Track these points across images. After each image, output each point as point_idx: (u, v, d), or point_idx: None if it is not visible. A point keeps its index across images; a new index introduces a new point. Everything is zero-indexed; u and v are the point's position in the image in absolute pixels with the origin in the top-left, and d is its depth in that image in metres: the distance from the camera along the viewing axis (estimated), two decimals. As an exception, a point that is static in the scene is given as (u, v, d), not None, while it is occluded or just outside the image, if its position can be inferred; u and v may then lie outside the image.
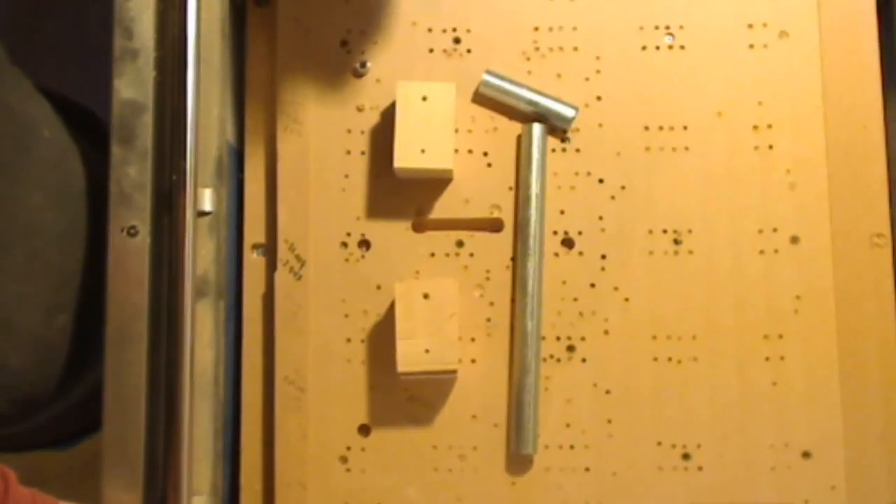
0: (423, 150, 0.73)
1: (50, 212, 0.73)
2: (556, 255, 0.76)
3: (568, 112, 0.76)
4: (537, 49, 0.77)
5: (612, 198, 0.76)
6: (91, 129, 0.81)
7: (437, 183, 0.76)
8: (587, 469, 0.74)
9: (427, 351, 0.71)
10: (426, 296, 0.72)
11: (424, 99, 0.73)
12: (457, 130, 0.76)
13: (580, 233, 0.76)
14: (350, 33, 0.78)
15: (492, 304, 0.75)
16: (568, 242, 0.76)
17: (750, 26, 0.77)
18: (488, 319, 0.75)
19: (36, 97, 0.76)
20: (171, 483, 0.70)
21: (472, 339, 0.75)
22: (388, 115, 0.76)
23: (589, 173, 0.76)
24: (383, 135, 0.76)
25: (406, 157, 0.73)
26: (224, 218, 0.77)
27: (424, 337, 0.71)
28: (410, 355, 0.71)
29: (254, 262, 0.78)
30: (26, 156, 0.72)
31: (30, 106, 0.74)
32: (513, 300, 0.75)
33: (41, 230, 0.73)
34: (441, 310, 0.71)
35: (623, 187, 0.76)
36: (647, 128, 0.76)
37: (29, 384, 0.74)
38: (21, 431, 0.81)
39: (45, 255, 0.73)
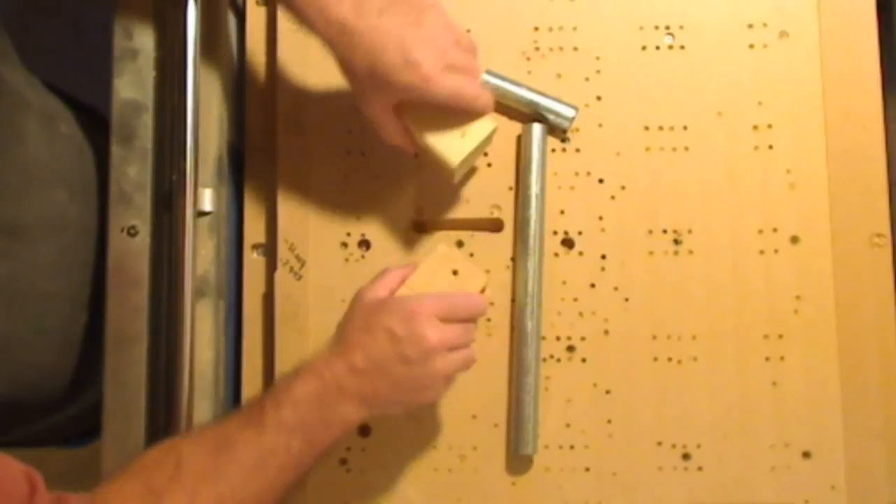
0: (463, 135, 0.70)
1: (73, 208, 0.74)
2: (556, 255, 0.76)
3: (568, 112, 0.76)
4: (537, 49, 0.77)
5: (612, 198, 0.76)
6: (97, 125, 0.81)
7: (437, 183, 0.76)
8: (587, 469, 0.74)
9: None
10: (455, 272, 0.70)
11: None
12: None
13: (580, 233, 0.76)
14: (350, 33, 0.78)
15: (492, 304, 0.75)
16: (568, 242, 0.76)
17: (750, 26, 0.77)
18: (488, 319, 0.75)
19: (50, 94, 0.76)
20: (171, 483, 0.70)
21: (472, 340, 0.75)
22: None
23: (589, 173, 0.76)
24: (383, 135, 0.76)
25: (455, 151, 0.69)
26: (224, 218, 0.77)
27: None
28: None
29: (254, 262, 0.78)
30: (49, 152, 0.72)
31: (47, 102, 0.75)
32: (513, 300, 0.75)
33: (67, 226, 0.73)
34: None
35: (623, 187, 0.76)
36: (647, 128, 0.76)
37: (54, 381, 0.74)
38: (35, 431, 0.81)
39: (71, 252, 0.73)
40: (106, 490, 0.58)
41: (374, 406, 0.63)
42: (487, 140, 0.73)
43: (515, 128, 0.77)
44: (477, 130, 0.71)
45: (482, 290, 0.72)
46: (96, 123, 0.80)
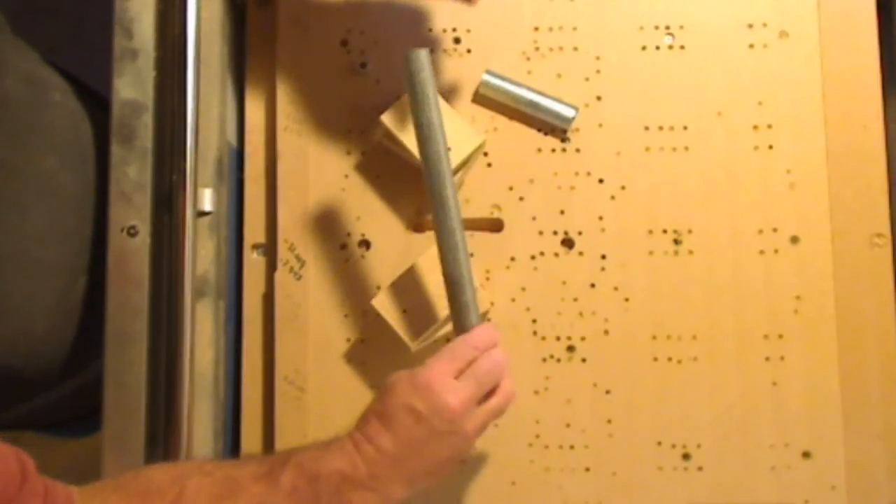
0: (448, 149, 0.72)
1: (65, 175, 0.74)
2: (556, 255, 0.76)
3: (568, 112, 0.76)
4: (537, 49, 0.77)
5: (612, 198, 0.76)
6: (95, 101, 0.81)
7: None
8: (587, 469, 0.74)
9: (404, 311, 0.70)
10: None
11: None
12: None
13: (580, 233, 0.76)
14: (350, 33, 0.78)
15: (492, 303, 0.75)
16: (568, 242, 0.76)
17: (750, 26, 0.77)
18: (488, 319, 0.75)
19: (44, 64, 0.76)
20: (171, 483, 0.70)
21: (472, 339, 0.75)
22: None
23: (589, 173, 0.76)
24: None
25: None
26: (224, 218, 0.77)
27: (413, 300, 0.70)
28: (389, 301, 0.71)
29: (254, 262, 0.78)
30: (39, 118, 0.72)
31: (39, 71, 0.75)
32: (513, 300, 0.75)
33: (58, 193, 0.73)
34: (445, 295, 0.70)
35: (623, 187, 0.76)
36: (647, 128, 0.76)
37: (54, 350, 0.74)
38: (42, 406, 0.81)
39: (64, 219, 0.73)
40: (100, 498, 0.56)
41: (415, 484, 0.61)
42: (476, 153, 0.74)
43: (515, 128, 0.77)
44: (464, 144, 0.72)
45: None
46: (95, 100, 0.80)
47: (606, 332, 0.75)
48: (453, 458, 0.63)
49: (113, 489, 0.57)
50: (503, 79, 0.76)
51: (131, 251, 0.72)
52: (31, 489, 0.52)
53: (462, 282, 0.66)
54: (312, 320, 0.76)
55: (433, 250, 0.72)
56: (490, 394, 0.64)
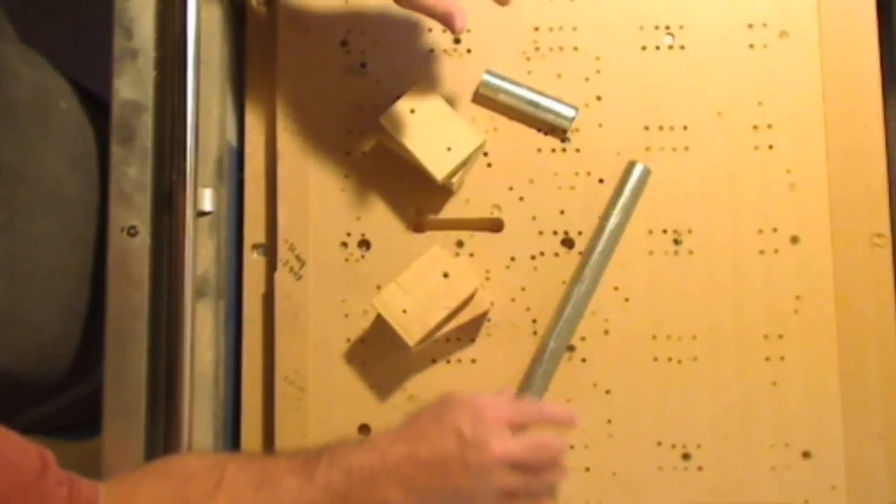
0: (448, 149, 0.72)
1: (73, 181, 0.74)
2: (557, 255, 0.76)
3: (568, 112, 0.76)
4: (537, 49, 0.77)
5: (612, 198, 0.76)
6: (100, 109, 0.81)
7: (437, 183, 0.76)
8: (587, 469, 0.74)
9: (404, 311, 0.70)
10: (446, 274, 0.71)
11: (413, 111, 0.73)
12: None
13: (580, 233, 0.76)
14: (350, 33, 0.78)
15: (492, 303, 0.75)
16: (568, 242, 0.76)
17: (750, 26, 0.77)
18: (489, 319, 0.75)
19: (50, 71, 0.76)
20: (171, 483, 0.70)
21: (472, 340, 0.75)
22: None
23: (589, 173, 0.76)
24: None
25: (441, 166, 0.72)
26: (224, 218, 0.77)
27: (413, 300, 0.71)
28: (389, 300, 0.71)
29: (254, 262, 0.78)
30: (46, 126, 0.72)
31: (46, 78, 0.75)
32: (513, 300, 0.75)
33: (66, 200, 0.73)
34: (445, 295, 0.71)
35: (623, 187, 0.76)
36: (647, 128, 0.76)
37: (63, 357, 0.74)
38: (48, 413, 0.81)
39: (72, 225, 0.73)
40: (131, 483, 0.57)
41: (422, 500, 0.61)
42: (476, 153, 0.74)
43: (516, 128, 0.77)
44: (464, 144, 0.72)
45: (474, 293, 0.72)
46: (100, 106, 0.80)
47: (606, 332, 0.75)
48: (464, 499, 0.62)
49: (143, 475, 0.59)
50: (503, 79, 0.76)
51: (131, 251, 0.72)
52: (55, 478, 0.53)
53: (559, 354, 0.73)
54: (312, 320, 0.76)
55: (433, 250, 0.72)
56: (536, 472, 0.63)
